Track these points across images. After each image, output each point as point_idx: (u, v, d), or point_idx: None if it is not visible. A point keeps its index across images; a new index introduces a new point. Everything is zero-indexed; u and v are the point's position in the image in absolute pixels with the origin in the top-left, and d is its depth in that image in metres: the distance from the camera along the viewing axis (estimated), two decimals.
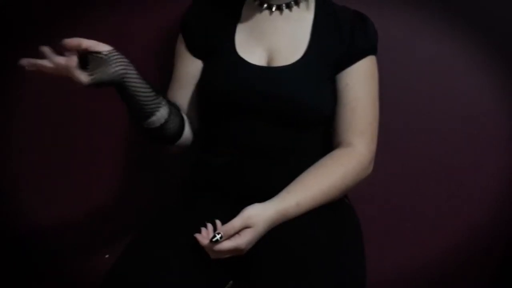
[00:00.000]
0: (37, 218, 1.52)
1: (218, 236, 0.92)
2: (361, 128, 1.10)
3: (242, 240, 0.93)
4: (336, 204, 1.08)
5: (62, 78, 0.93)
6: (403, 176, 1.43)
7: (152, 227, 1.08)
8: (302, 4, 1.13)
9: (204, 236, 0.96)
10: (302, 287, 0.89)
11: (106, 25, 1.40)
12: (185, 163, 1.22)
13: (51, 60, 0.90)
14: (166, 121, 1.07)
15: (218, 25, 1.15)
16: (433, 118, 1.40)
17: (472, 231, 1.45)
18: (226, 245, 0.93)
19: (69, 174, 1.49)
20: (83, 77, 0.93)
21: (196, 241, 0.96)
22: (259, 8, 1.13)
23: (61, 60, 0.90)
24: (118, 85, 0.99)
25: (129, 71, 0.98)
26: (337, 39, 1.11)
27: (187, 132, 1.17)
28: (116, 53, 0.97)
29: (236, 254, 0.95)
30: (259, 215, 0.95)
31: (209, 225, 0.99)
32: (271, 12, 1.13)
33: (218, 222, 0.99)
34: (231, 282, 1.04)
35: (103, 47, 0.96)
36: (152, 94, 1.03)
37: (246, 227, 0.94)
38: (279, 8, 1.12)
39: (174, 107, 1.11)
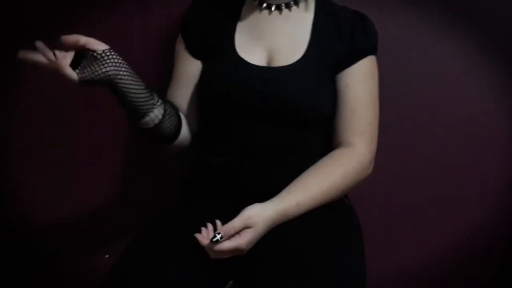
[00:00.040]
0: (37, 218, 1.52)
1: (218, 236, 0.92)
2: (361, 128, 1.10)
3: (242, 240, 0.93)
4: (336, 204, 1.08)
5: (58, 75, 0.94)
6: (403, 176, 1.43)
7: (152, 227, 1.08)
8: (301, 4, 1.13)
9: (204, 236, 0.96)
10: (302, 287, 0.89)
11: (106, 25, 1.40)
12: (185, 163, 1.22)
13: (45, 56, 0.91)
14: (160, 122, 1.07)
15: (218, 25, 1.15)
16: (433, 118, 1.40)
17: (472, 231, 1.45)
18: (226, 245, 0.93)
19: (69, 174, 1.49)
20: (74, 74, 0.94)
21: (196, 241, 0.96)
22: (259, 8, 1.13)
23: (52, 56, 0.91)
24: (109, 85, 0.99)
25: (121, 72, 0.98)
26: (337, 39, 1.11)
27: (184, 133, 1.17)
28: (110, 53, 0.97)
29: (236, 254, 0.95)
30: (259, 215, 0.95)
31: (209, 225, 0.99)
32: (270, 12, 1.13)
33: (218, 222, 0.99)
34: (231, 282, 1.04)
35: (99, 46, 0.96)
36: (146, 95, 1.03)
37: (246, 227, 0.94)
38: (279, 8, 1.12)
39: (171, 108, 1.11)
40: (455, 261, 1.46)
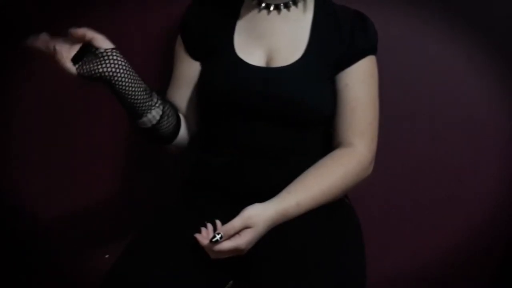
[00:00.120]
0: (37, 218, 1.52)
1: (218, 236, 0.92)
2: (361, 128, 1.10)
3: (242, 240, 0.93)
4: (336, 204, 1.08)
5: (58, 67, 0.95)
6: (403, 176, 1.43)
7: (152, 227, 1.08)
8: (300, 4, 1.13)
9: (204, 236, 0.96)
10: (302, 287, 0.89)
11: (106, 25, 1.39)
12: (185, 163, 1.22)
13: (46, 47, 0.93)
14: (158, 123, 1.08)
15: (217, 25, 1.15)
16: (433, 118, 1.40)
17: (472, 231, 1.45)
18: (226, 245, 0.93)
19: (69, 174, 1.49)
20: (73, 69, 0.95)
21: (196, 241, 0.96)
22: (257, 8, 1.13)
23: (52, 49, 0.93)
24: (107, 84, 1.00)
25: (118, 74, 0.99)
26: (337, 39, 1.11)
27: (183, 133, 1.17)
28: (111, 53, 0.97)
29: (236, 254, 0.95)
30: (259, 215, 0.95)
31: (209, 225, 0.99)
32: (269, 12, 1.12)
33: (218, 222, 0.99)
34: (231, 282, 1.04)
35: (104, 44, 0.97)
36: (144, 97, 1.03)
37: (246, 227, 0.94)
38: (277, 8, 1.12)
39: (170, 109, 1.11)
40: (455, 261, 1.46)
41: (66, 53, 0.94)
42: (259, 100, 1.06)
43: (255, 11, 1.13)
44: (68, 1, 1.41)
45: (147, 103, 1.05)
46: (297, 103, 1.06)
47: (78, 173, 1.48)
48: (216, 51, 1.13)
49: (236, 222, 0.93)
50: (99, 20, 1.41)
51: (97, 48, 0.97)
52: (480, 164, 1.41)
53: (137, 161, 1.49)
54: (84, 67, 0.96)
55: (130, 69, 1.01)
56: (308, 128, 1.11)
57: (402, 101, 1.39)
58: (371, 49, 1.13)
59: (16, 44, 1.43)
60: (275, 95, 1.06)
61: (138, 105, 1.03)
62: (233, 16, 1.15)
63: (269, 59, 1.10)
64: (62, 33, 0.95)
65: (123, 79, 1.00)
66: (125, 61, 1.00)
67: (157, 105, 1.07)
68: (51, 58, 0.94)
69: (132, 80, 1.01)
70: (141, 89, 1.03)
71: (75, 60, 0.96)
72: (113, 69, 0.98)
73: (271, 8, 1.12)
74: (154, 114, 1.07)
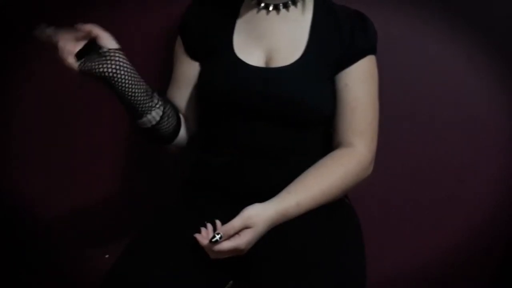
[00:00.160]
0: (37, 218, 1.52)
1: (217, 237, 0.92)
2: (361, 128, 1.10)
3: (242, 240, 0.93)
4: (336, 204, 1.08)
5: (61, 61, 0.96)
6: (403, 176, 1.43)
7: (152, 227, 1.08)
8: (299, 4, 1.13)
9: (204, 236, 0.96)
10: (302, 287, 0.89)
11: (106, 25, 1.39)
12: (185, 163, 1.22)
13: (50, 40, 0.94)
14: (158, 123, 1.08)
15: (217, 25, 1.15)
16: (433, 118, 1.40)
17: (472, 231, 1.45)
18: (226, 245, 0.93)
19: (69, 174, 1.49)
20: (74, 64, 0.96)
21: (196, 241, 0.96)
22: (256, 8, 1.13)
23: (55, 43, 0.94)
24: (107, 83, 1.00)
25: (119, 75, 0.99)
26: (337, 38, 1.11)
27: (182, 133, 1.17)
28: (114, 54, 0.98)
29: (236, 254, 0.95)
30: (259, 215, 0.95)
31: (209, 225, 0.99)
32: (268, 12, 1.12)
33: (218, 222, 0.99)
34: (231, 282, 1.04)
35: (108, 43, 0.98)
36: (144, 98, 1.04)
37: (246, 227, 0.94)
38: (276, 8, 1.12)
39: (171, 110, 1.12)
40: (455, 261, 1.46)
41: (71, 47, 0.95)
42: (258, 100, 1.06)
43: (254, 11, 1.13)
44: (68, 1, 1.41)
45: (147, 104, 1.05)
46: (296, 103, 1.06)
47: (78, 173, 1.48)
48: (216, 51, 1.13)
49: (236, 222, 0.93)
50: (99, 20, 1.40)
51: (101, 47, 0.97)
52: (480, 164, 1.41)
53: (137, 161, 1.49)
54: (86, 64, 0.97)
55: (131, 70, 1.01)
56: (308, 128, 1.11)
57: (402, 101, 1.39)
58: (371, 49, 1.13)
59: (16, 44, 1.44)
60: (275, 95, 1.06)
61: (138, 105, 1.04)
62: (233, 16, 1.15)
63: (268, 59, 1.10)
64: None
65: (123, 80, 1.00)
66: (127, 62, 1.01)
67: (157, 106, 1.07)
68: (55, 49, 0.95)
69: (133, 82, 1.01)
70: (142, 90, 1.03)
71: (79, 56, 0.96)
72: (114, 70, 0.98)
73: (270, 8, 1.12)
74: (154, 115, 1.07)
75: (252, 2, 1.13)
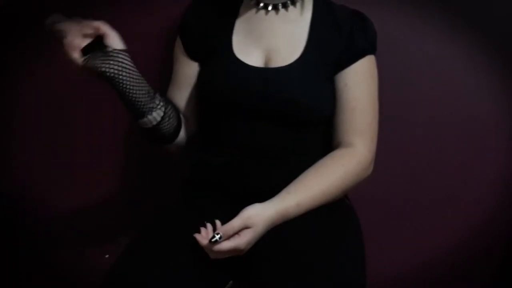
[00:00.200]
0: (37, 218, 1.52)
1: (217, 237, 0.92)
2: (360, 128, 1.10)
3: (242, 241, 0.93)
4: (336, 204, 1.08)
5: (65, 55, 0.96)
6: (403, 176, 1.43)
7: (152, 227, 1.08)
8: (298, 4, 1.13)
9: (204, 236, 0.96)
10: (302, 287, 0.89)
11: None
12: (185, 163, 1.22)
13: (65, 29, 0.94)
14: (159, 124, 1.08)
15: (216, 25, 1.15)
16: (433, 118, 1.40)
17: (472, 231, 1.45)
18: (225, 245, 0.93)
19: (69, 174, 1.49)
20: (78, 60, 0.96)
21: (196, 241, 0.96)
22: (255, 8, 1.13)
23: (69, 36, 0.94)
24: (109, 82, 1.00)
25: (120, 76, 0.99)
26: (336, 38, 1.11)
27: (182, 134, 1.17)
28: (118, 54, 0.98)
29: (235, 254, 0.95)
30: (258, 215, 0.95)
31: (209, 225, 0.99)
32: (267, 11, 1.12)
33: (217, 222, 0.99)
34: (231, 282, 1.04)
35: (114, 43, 0.98)
36: (146, 99, 1.04)
37: (246, 227, 0.94)
38: (275, 7, 1.12)
39: (172, 111, 1.12)
40: (455, 261, 1.46)
41: (78, 42, 0.95)
42: (257, 100, 1.06)
43: (254, 11, 1.13)
44: (68, 1, 1.41)
45: (149, 105, 1.05)
46: (295, 103, 1.06)
47: (78, 173, 1.48)
48: (215, 52, 1.13)
49: (236, 222, 0.93)
50: (99, 20, 1.41)
51: (106, 46, 0.97)
52: (480, 164, 1.41)
53: (137, 161, 1.49)
54: (90, 61, 0.97)
55: (134, 72, 1.01)
56: (308, 128, 1.11)
57: (402, 101, 1.39)
58: (371, 49, 1.13)
59: (16, 44, 1.44)
60: (273, 95, 1.06)
61: (139, 106, 1.04)
62: (232, 16, 1.15)
63: (267, 59, 1.10)
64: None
65: (125, 81, 1.00)
66: (131, 63, 1.01)
67: (159, 107, 1.07)
68: (61, 43, 0.94)
69: (135, 83, 1.01)
70: (143, 92, 1.03)
71: (84, 51, 0.96)
72: (117, 70, 0.98)
73: (269, 8, 1.12)
74: (155, 115, 1.07)
75: (251, 2, 1.13)
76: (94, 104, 1.43)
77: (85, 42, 0.96)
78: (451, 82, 1.39)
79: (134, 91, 1.02)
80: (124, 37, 1.39)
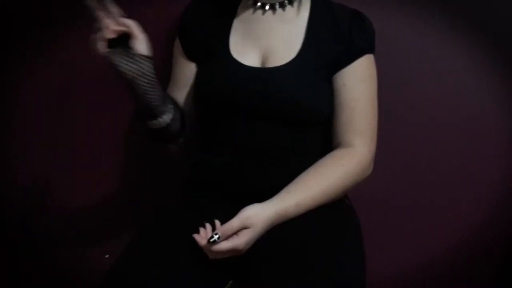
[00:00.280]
0: (37, 218, 1.52)
1: (216, 237, 0.92)
2: (360, 128, 1.10)
3: (240, 241, 0.93)
4: (336, 204, 1.08)
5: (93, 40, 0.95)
6: (403, 176, 1.43)
7: (152, 227, 1.08)
8: (296, 3, 1.13)
9: (202, 236, 0.96)
10: (302, 287, 0.89)
11: None
12: (185, 163, 1.22)
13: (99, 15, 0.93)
14: (168, 125, 1.08)
15: (214, 26, 1.15)
16: (433, 118, 1.40)
17: (472, 231, 1.44)
18: (224, 245, 0.93)
19: (69, 174, 1.49)
20: (103, 49, 0.94)
21: (195, 241, 0.96)
22: (253, 8, 1.13)
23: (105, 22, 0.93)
24: (124, 81, 0.99)
25: (139, 80, 0.99)
26: (335, 37, 1.11)
27: (186, 133, 1.17)
28: (139, 59, 0.97)
29: (234, 255, 0.95)
30: (257, 215, 0.95)
31: (208, 225, 0.99)
32: (264, 11, 1.12)
33: (217, 222, 0.99)
34: (231, 282, 1.04)
35: (138, 45, 0.97)
36: (158, 103, 1.04)
37: (245, 227, 0.94)
38: (272, 7, 1.12)
39: (179, 114, 1.12)
40: (455, 261, 1.46)
41: (106, 33, 0.93)
42: (255, 100, 1.06)
43: (251, 11, 1.13)
44: (68, 1, 1.41)
45: (161, 108, 1.05)
46: (293, 102, 1.06)
47: (78, 173, 1.48)
48: (213, 52, 1.13)
49: (234, 223, 0.93)
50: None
51: (132, 47, 0.96)
52: (480, 164, 1.41)
53: (137, 161, 1.49)
54: (113, 56, 0.95)
55: (152, 80, 1.01)
56: (308, 128, 1.11)
57: (402, 101, 1.39)
58: (369, 48, 1.13)
59: (16, 44, 1.44)
60: (270, 95, 1.05)
61: (150, 109, 1.04)
62: (230, 16, 1.15)
63: (264, 59, 1.10)
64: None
65: (141, 86, 1.00)
66: (151, 71, 1.00)
67: (170, 109, 1.07)
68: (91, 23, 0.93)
69: (150, 88, 1.01)
70: (156, 96, 1.03)
71: (110, 43, 0.95)
72: (135, 75, 0.98)
73: (266, 8, 1.12)
74: (166, 118, 1.07)
75: (249, 2, 1.13)
76: (94, 104, 1.43)
77: (113, 34, 0.94)
78: (451, 82, 1.39)
79: (149, 96, 1.02)
80: None
